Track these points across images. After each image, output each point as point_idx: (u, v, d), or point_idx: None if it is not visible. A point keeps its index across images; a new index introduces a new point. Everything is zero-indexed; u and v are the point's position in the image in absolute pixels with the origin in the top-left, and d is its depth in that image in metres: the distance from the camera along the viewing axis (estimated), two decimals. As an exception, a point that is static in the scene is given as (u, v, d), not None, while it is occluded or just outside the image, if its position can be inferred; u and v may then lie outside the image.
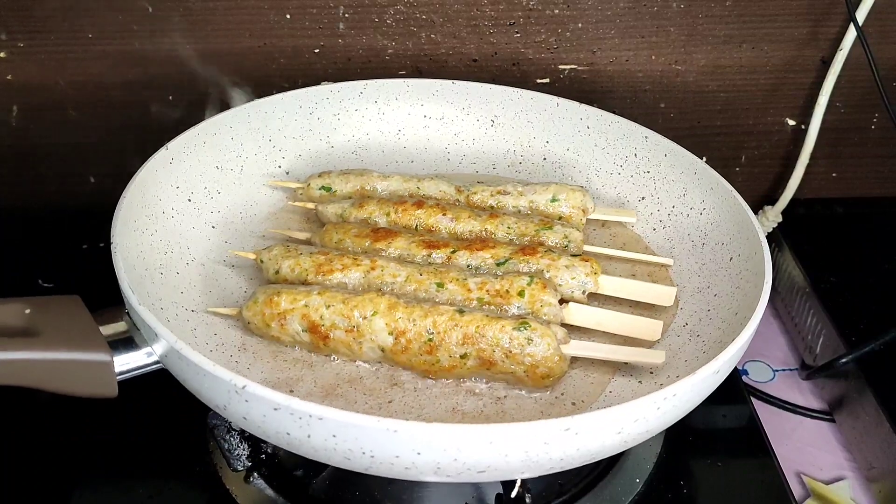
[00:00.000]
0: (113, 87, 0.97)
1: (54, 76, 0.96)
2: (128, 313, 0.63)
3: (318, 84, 0.98)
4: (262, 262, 0.74)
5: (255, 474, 0.70)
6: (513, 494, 0.65)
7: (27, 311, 0.60)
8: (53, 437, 0.76)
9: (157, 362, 0.62)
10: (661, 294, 0.74)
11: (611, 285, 0.73)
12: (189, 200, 0.80)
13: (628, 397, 0.66)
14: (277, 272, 0.72)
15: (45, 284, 0.93)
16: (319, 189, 0.83)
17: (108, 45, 0.94)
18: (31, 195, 1.04)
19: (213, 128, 0.84)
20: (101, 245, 0.85)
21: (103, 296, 0.66)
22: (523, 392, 0.66)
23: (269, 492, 0.70)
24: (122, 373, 0.61)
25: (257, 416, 0.55)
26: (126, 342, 0.62)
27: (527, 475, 0.57)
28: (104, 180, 1.03)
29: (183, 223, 0.79)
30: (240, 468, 0.69)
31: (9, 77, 0.95)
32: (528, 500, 0.67)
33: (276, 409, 0.53)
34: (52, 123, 0.99)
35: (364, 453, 0.53)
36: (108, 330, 0.62)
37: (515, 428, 0.52)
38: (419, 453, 0.52)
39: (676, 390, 0.56)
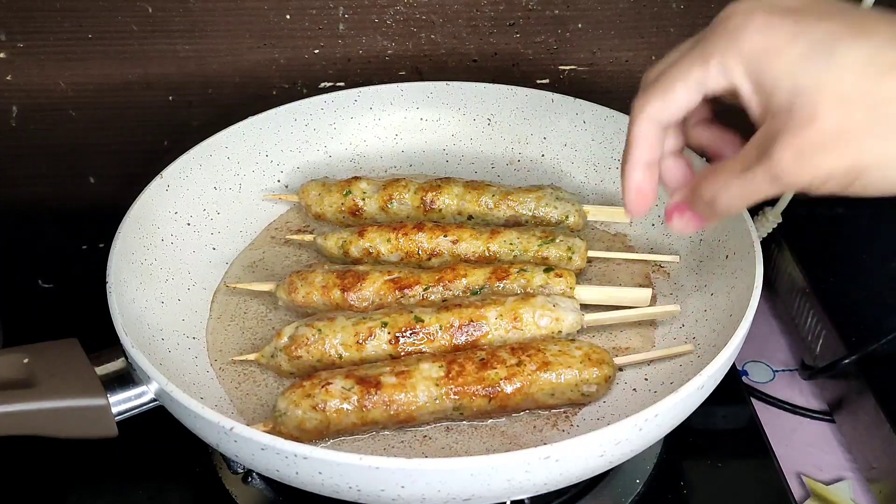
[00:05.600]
0: (113, 87, 0.96)
1: (54, 76, 0.95)
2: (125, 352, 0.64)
3: (318, 84, 0.98)
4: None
5: (254, 475, 0.70)
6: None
7: (25, 360, 0.62)
8: (52, 437, 0.76)
9: (154, 400, 0.63)
10: (638, 297, 0.74)
11: (588, 295, 0.73)
12: (188, 224, 0.80)
13: (621, 407, 0.66)
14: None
15: (45, 285, 0.93)
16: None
17: (108, 45, 0.94)
18: (32, 195, 1.04)
19: (207, 150, 0.83)
20: (101, 245, 0.85)
21: (102, 297, 0.66)
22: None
23: (268, 493, 0.70)
24: (119, 413, 0.62)
25: (247, 454, 0.57)
26: (125, 379, 0.63)
27: (515, 498, 0.58)
28: (104, 181, 1.03)
29: (183, 248, 0.79)
30: (239, 469, 0.69)
31: (9, 77, 0.95)
32: (527, 501, 0.68)
33: (262, 449, 0.54)
34: (52, 123, 0.99)
35: (350, 487, 0.55)
36: (106, 370, 0.63)
37: (494, 459, 0.53)
38: (403, 486, 0.54)
39: (658, 410, 0.56)
